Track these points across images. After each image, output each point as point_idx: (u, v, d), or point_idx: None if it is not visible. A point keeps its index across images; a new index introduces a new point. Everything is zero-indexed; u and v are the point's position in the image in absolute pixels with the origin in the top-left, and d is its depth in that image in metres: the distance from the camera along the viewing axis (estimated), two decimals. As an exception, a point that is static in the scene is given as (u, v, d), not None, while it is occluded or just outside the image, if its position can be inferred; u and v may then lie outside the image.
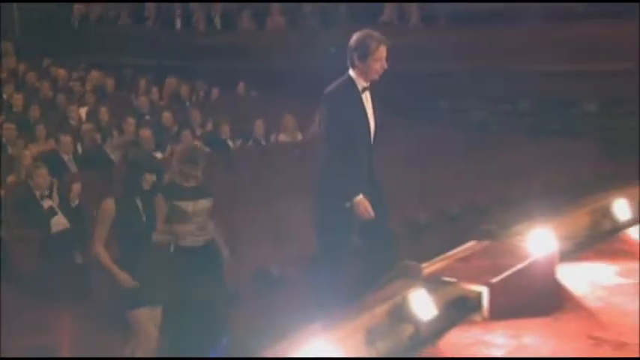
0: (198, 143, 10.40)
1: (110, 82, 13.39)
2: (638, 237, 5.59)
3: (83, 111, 11.60)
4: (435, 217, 7.71)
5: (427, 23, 15.20)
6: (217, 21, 17.45)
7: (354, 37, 4.61)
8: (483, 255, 4.69)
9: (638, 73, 10.79)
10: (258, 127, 10.86)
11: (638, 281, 4.68)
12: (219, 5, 17.55)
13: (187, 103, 12.72)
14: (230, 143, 10.65)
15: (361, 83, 4.59)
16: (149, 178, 4.84)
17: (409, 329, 3.90)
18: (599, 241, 5.53)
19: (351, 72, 4.60)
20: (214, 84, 13.63)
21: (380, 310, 3.88)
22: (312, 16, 16.78)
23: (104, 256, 4.84)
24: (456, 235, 5.61)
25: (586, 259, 5.14)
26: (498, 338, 3.95)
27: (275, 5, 16.99)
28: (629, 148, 9.55)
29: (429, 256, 4.77)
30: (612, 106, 11.47)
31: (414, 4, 15.58)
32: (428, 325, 3.96)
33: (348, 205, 4.49)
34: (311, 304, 4.60)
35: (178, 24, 17.81)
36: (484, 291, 4.16)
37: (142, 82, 13.32)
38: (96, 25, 18.15)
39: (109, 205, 4.84)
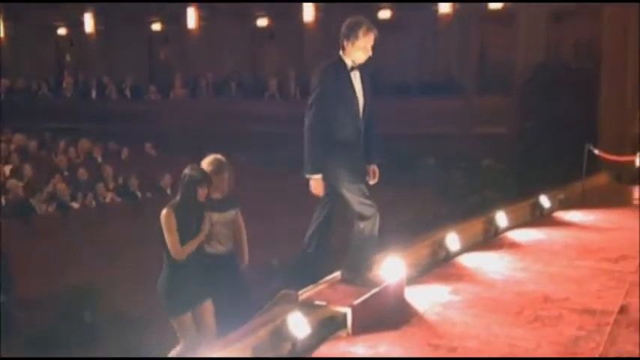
0: (110, 194, 10.22)
1: (33, 144, 12.86)
2: (464, 263, 5.84)
3: (7, 168, 11.03)
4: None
5: (303, 96, 15.55)
6: (128, 92, 17.15)
7: (347, 21, 4.35)
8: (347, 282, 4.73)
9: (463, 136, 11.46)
10: (166, 180, 10.68)
11: (464, 298, 4.88)
12: (129, 79, 17.30)
13: (100, 160, 12.34)
14: (138, 194, 10.41)
15: (349, 63, 4.35)
16: (202, 193, 4.41)
17: (288, 346, 3.89)
18: (436, 267, 5.66)
19: (341, 52, 4.37)
20: (124, 144, 13.32)
21: (263, 332, 3.84)
22: (208, 89, 16.83)
23: (186, 246, 4.30)
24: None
25: (427, 281, 5.25)
26: (359, 349, 3.99)
27: (177, 79, 16.93)
28: (457, 193, 10.04)
29: (303, 285, 4.75)
30: (445, 161, 12.05)
31: (292, 82, 15.93)
32: (303, 342, 3.96)
33: (307, 176, 4.33)
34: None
35: (94, 94, 17.37)
36: (348, 311, 4.19)
37: (62, 144, 12.83)
38: (20, 96, 17.45)
39: (168, 214, 4.34)
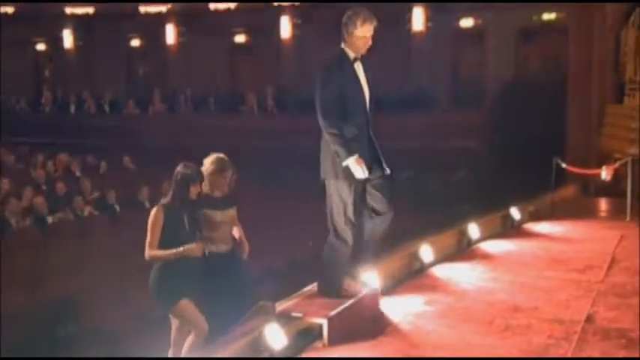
0: (88, 208, 10.08)
1: (10, 158, 12.67)
2: (438, 274, 5.87)
3: (-15, 183, 10.82)
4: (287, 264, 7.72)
5: (280, 109, 15.59)
6: (106, 107, 17.04)
7: (347, 12, 4.25)
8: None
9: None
10: (144, 192, 10.59)
11: (438, 308, 4.90)
12: (108, 94, 17.20)
13: (78, 174, 12.19)
14: (117, 207, 10.30)
15: (351, 54, 4.20)
16: (194, 190, 4.27)
17: (264, 357, 3.88)
18: (411, 278, 5.68)
19: (342, 44, 4.24)
20: (103, 158, 13.19)
21: (242, 343, 3.83)
22: (187, 104, 16.79)
23: (160, 253, 4.16)
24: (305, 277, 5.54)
25: (401, 292, 5.26)
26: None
27: (156, 94, 16.88)
28: (432, 205, 10.09)
29: (283, 296, 4.74)
30: (420, 174, 12.13)
31: (269, 97, 15.95)
32: (280, 353, 3.94)
33: (344, 163, 4.13)
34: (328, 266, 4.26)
35: (72, 109, 17.22)
36: (324, 323, 4.18)
37: (40, 158, 12.66)
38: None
39: (158, 213, 4.21)
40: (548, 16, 14.02)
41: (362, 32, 4.23)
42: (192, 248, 4.18)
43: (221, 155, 4.58)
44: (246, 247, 4.65)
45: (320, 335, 4.19)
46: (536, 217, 8.37)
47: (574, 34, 11.42)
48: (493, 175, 11.45)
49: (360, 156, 4.19)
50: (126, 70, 18.72)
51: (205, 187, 4.44)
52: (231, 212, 4.58)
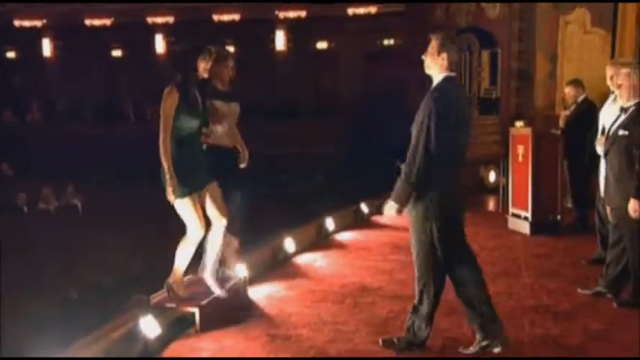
0: None
1: None
2: (299, 262, 5.98)
3: None
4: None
5: (157, 118, 15.04)
6: (-19, 115, 15.52)
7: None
8: (197, 284, 4.63)
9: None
10: (21, 198, 9.79)
11: (299, 292, 4.97)
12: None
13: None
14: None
15: None
16: (204, 66, 3.65)
17: (139, 346, 3.73)
18: (276, 267, 5.75)
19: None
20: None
21: (116, 335, 3.65)
22: (65, 113, 15.74)
23: (167, 154, 3.58)
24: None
25: (267, 280, 5.29)
26: (207, 344, 3.92)
27: (34, 103, 15.67)
28: (297, 203, 10.22)
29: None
30: (291, 177, 12.25)
31: (146, 105, 15.32)
32: (155, 341, 3.83)
33: None
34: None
35: (-56, 117, 15.47)
36: (196, 311, 4.11)
37: None
38: None
39: (172, 92, 3.54)
40: (388, 41, 14.88)
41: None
42: (170, 192, 3.73)
43: (219, 47, 4.15)
44: (246, 153, 4.31)
45: (192, 323, 4.11)
46: (382, 210, 8.77)
47: (409, 56, 12.17)
48: (347, 177, 11.84)
49: None
50: (2, 80, 17.15)
51: (211, 77, 3.96)
52: (236, 107, 4.17)
